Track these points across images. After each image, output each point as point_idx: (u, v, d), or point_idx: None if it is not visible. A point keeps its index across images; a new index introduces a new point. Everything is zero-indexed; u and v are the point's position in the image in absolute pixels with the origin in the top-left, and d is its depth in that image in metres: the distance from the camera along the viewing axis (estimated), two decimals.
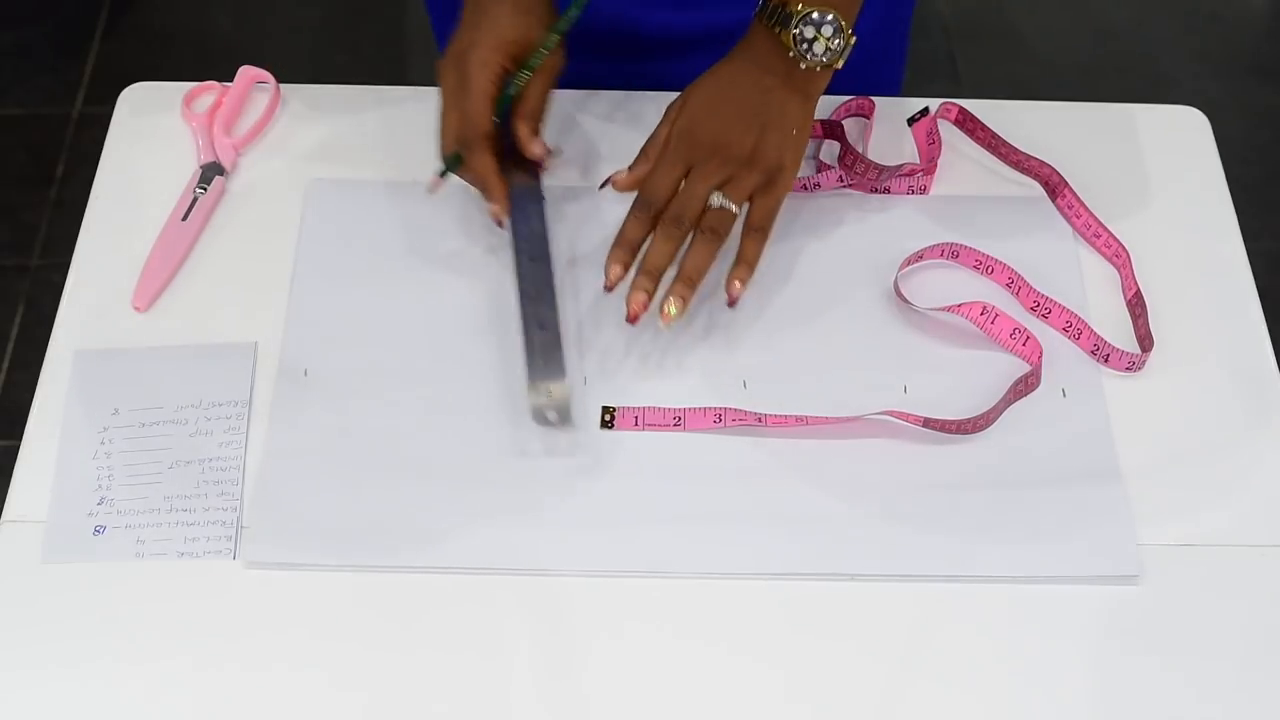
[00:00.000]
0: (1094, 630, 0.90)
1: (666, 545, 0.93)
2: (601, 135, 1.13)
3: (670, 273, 0.98)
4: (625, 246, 0.98)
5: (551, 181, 1.08)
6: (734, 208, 0.98)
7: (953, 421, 0.97)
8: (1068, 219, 1.09)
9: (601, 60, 1.16)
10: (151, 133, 1.13)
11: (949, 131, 1.12)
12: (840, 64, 0.99)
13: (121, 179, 1.11)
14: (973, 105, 1.13)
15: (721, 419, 0.97)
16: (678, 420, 0.97)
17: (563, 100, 1.12)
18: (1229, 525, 0.95)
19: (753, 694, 0.88)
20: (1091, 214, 1.08)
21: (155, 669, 0.88)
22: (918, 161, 1.10)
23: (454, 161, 1.02)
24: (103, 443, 0.96)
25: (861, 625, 0.90)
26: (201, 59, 2.34)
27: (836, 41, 0.98)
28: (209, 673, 0.88)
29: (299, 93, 1.16)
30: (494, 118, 1.02)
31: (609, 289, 0.98)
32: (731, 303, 0.98)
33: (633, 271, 0.98)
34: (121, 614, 0.90)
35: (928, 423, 0.96)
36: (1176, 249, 1.08)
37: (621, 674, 0.88)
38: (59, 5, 2.46)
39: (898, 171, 1.09)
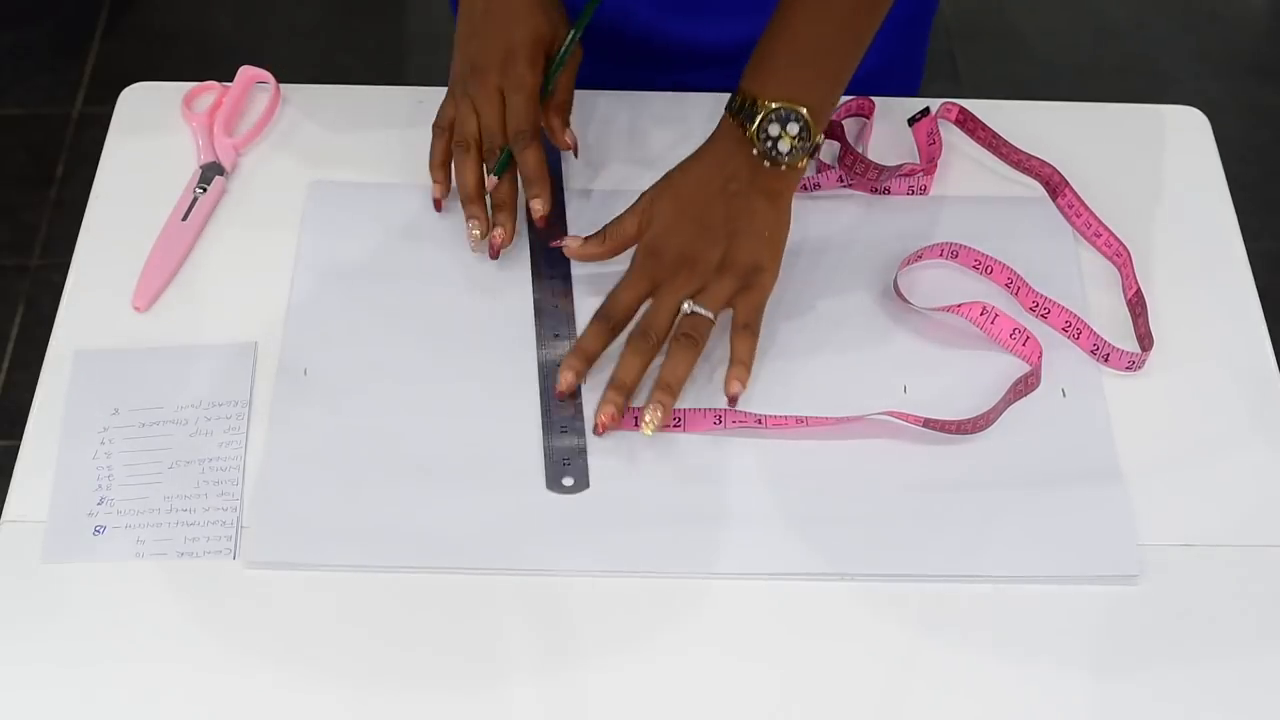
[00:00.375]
0: (1094, 630, 0.90)
1: (666, 545, 0.93)
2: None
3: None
4: (581, 356, 0.97)
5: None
6: (709, 314, 0.97)
7: (953, 422, 0.97)
8: (1068, 218, 1.09)
9: (632, 68, 1.16)
10: (151, 133, 1.13)
11: (949, 131, 1.12)
12: (804, 164, 0.99)
13: (121, 179, 1.11)
14: (973, 105, 1.13)
15: (721, 420, 0.97)
16: (677, 421, 0.97)
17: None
18: (1229, 525, 0.95)
19: (752, 694, 0.88)
20: (1092, 213, 1.08)
21: (155, 669, 0.88)
22: (918, 161, 1.10)
23: (507, 161, 1.04)
24: (103, 443, 0.96)
25: (861, 625, 0.90)
26: (201, 59, 2.34)
27: (802, 142, 0.97)
28: (209, 673, 0.88)
29: (299, 93, 1.16)
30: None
31: (559, 397, 0.97)
32: (732, 402, 0.96)
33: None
34: (121, 614, 0.90)
35: (928, 423, 0.96)
36: (1176, 249, 1.08)
37: (621, 674, 0.88)
38: (59, 5, 2.46)
39: (898, 171, 1.09)
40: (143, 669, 0.88)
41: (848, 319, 1.03)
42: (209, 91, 1.14)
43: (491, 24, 1.05)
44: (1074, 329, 1.02)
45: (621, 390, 0.95)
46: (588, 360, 0.97)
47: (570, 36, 1.06)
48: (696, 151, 1.01)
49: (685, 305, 0.97)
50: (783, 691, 0.88)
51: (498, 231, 1.03)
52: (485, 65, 1.04)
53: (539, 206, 1.03)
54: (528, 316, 1.03)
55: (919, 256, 1.05)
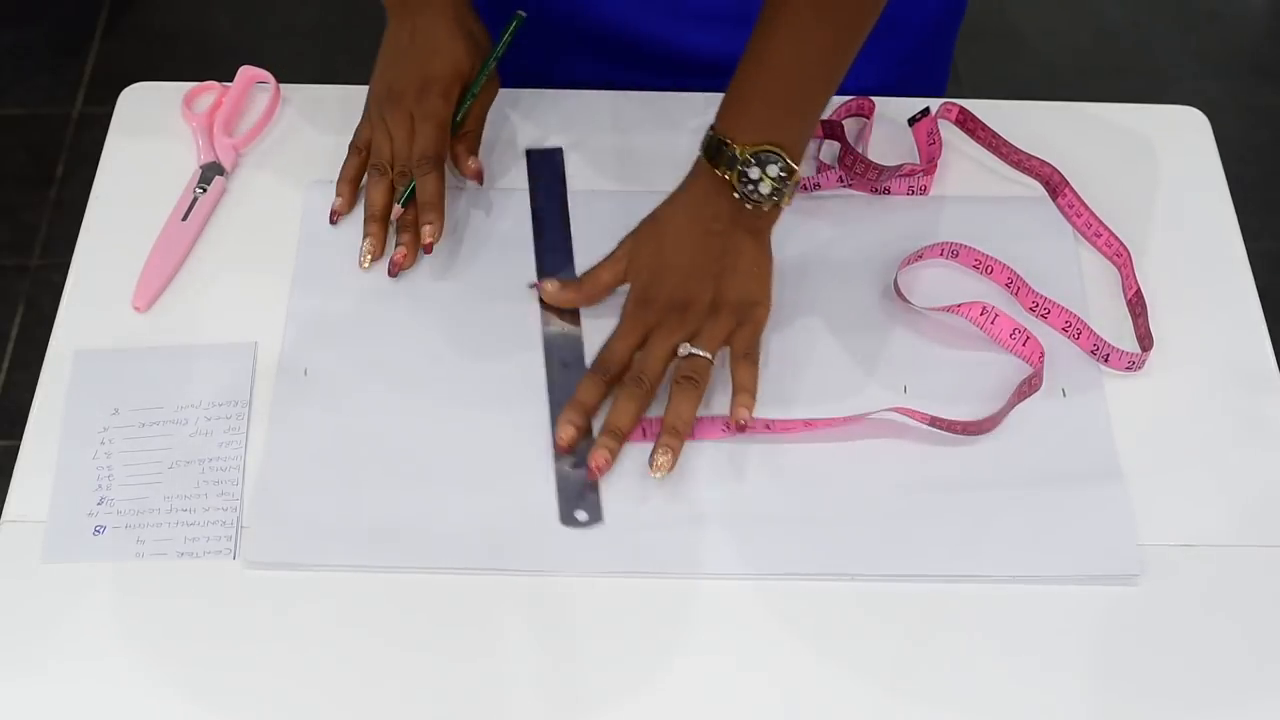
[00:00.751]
0: (1094, 630, 0.90)
1: (666, 545, 0.93)
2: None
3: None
4: (578, 409, 0.96)
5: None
6: (707, 355, 0.97)
7: (959, 422, 0.97)
8: (1068, 218, 1.09)
9: (625, 71, 1.16)
10: (151, 133, 1.13)
11: (949, 131, 1.12)
12: (787, 203, 0.98)
13: (121, 179, 1.11)
14: (973, 105, 1.13)
15: (729, 427, 0.96)
16: None
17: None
18: (1229, 525, 0.95)
19: (752, 693, 0.88)
20: (1092, 213, 1.08)
21: (155, 669, 0.88)
22: (918, 161, 1.10)
23: (413, 191, 1.04)
24: (103, 443, 0.96)
25: (862, 625, 0.90)
26: (201, 59, 2.34)
27: (782, 181, 0.97)
28: (209, 673, 0.88)
29: (299, 93, 1.16)
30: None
31: (560, 452, 0.96)
32: (741, 429, 0.95)
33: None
34: (121, 614, 0.90)
35: (934, 420, 0.96)
36: (1176, 249, 1.08)
37: (622, 674, 0.88)
38: (59, 5, 2.46)
39: (898, 171, 1.09)
40: (143, 669, 0.88)
41: (848, 319, 1.03)
42: (209, 91, 1.14)
43: (414, 53, 1.07)
44: (1074, 329, 1.02)
45: (616, 436, 0.95)
46: (585, 414, 0.96)
47: (483, 70, 1.08)
48: (673, 195, 1.01)
49: (683, 348, 0.97)
50: (783, 691, 0.88)
51: (400, 250, 1.04)
52: (401, 92, 1.06)
53: (428, 233, 1.03)
54: (532, 314, 1.03)
55: (919, 256, 1.05)
